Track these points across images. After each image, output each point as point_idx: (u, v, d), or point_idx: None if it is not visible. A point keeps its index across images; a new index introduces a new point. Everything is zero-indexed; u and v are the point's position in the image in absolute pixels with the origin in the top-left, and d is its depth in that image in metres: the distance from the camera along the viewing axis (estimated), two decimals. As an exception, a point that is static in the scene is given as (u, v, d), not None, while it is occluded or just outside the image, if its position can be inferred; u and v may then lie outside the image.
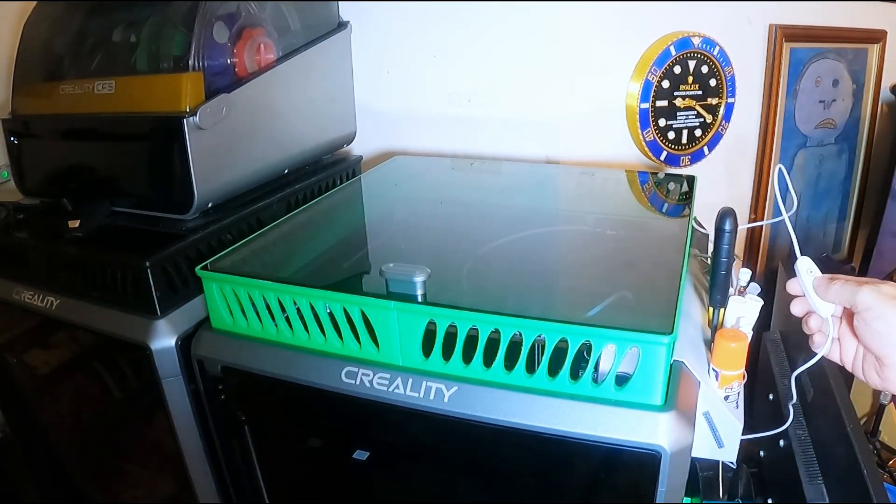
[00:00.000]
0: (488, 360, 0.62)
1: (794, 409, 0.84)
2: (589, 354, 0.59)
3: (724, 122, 1.30)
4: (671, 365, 0.60)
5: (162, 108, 0.88)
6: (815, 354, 0.64)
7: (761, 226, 1.47)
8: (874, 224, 1.60)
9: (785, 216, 0.67)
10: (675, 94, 1.23)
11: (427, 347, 0.64)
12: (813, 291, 0.62)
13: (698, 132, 1.28)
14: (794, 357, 0.95)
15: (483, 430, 0.62)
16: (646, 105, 1.20)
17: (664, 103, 1.22)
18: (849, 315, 0.61)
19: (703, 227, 0.95)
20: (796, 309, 0.65)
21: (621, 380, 0.59)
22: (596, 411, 0.58)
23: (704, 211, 0.93)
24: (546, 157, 1.19)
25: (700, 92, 1.25)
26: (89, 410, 1.02)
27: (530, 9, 1.11)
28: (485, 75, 1.20)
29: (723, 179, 1.39)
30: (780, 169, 0.68)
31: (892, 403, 1.23)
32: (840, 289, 0.60)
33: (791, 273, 0.65)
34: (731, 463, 0.68)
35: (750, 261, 1.50)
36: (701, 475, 0.74)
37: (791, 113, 1.44)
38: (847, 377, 0.68)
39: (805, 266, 0.64)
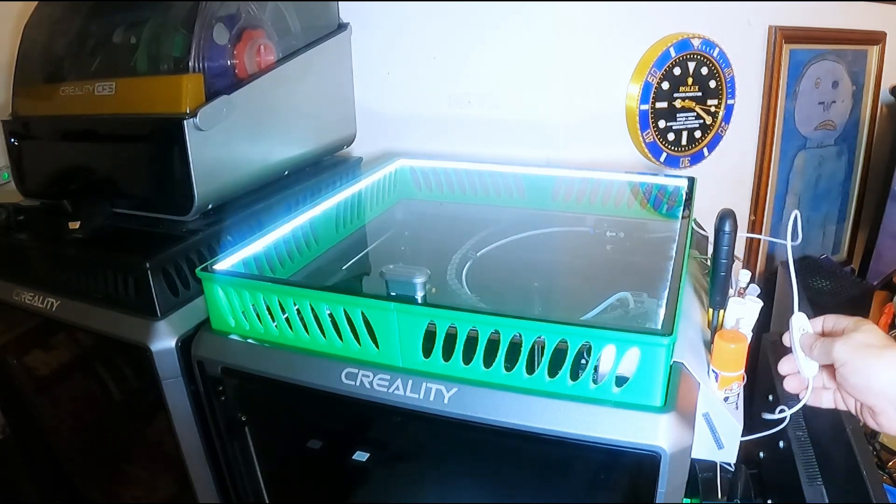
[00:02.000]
0: (488, 361, 0.62)
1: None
2: (589, 355, 0.59)
3: (723, 123, 1.30)
4: (671, 366, 0.60)
5: (162, 109, 0.89)
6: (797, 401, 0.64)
7: (761, 227, 1.47)
8: (874, 225, 1.60)
9: (791, 265, 0.66)
10: (675, 95, 1.23)
11: (427, 348, 0.64)
12: (800, 350, 0.63)
13: (698, 133, 1.28)
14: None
15: (483, 432, 0.62)
16: (645, 106, 1.20)
17: (664, 105, 1.22)
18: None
19: (703, 229, 0.95)
20: (784, 368, 0.66)
21: (621, 381, 0.59)
22: (596, 412, 0.58)
23: (704, 212, 0.93)
24: (546, 158, 1.19)
25: (700, 93, 1.25)
26: (89, 411, 1.02)
27: (530, 10, 1.11)
28: (485, 77, 1.20)
29: (722, 181, 1.39)
30: (795, 215, 0.67)
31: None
32: (820, 350, 0.61)
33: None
34: (731, 464, 0.68)
35: (750, 262, 1.50)
36: (700, 476, 0.74)
37: (791, 114, 1.44)
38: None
39: (798, 323, 0.64)
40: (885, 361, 0.57)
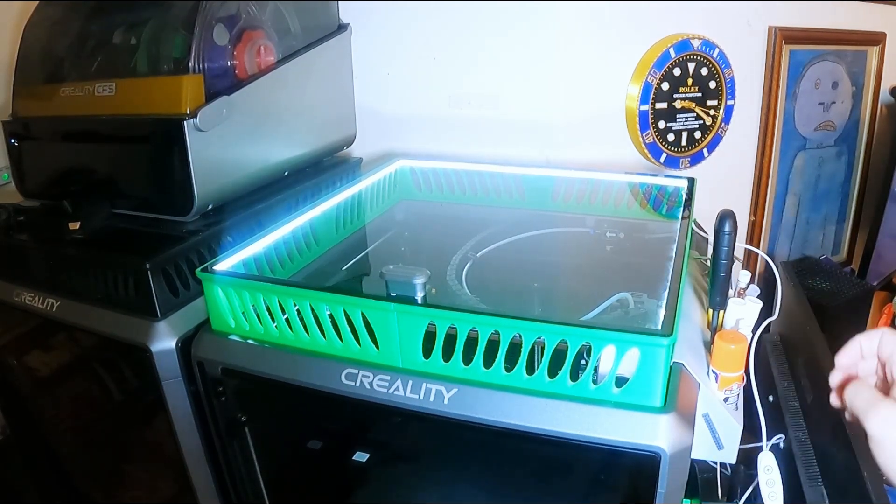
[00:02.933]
0: (488, 361, 0.62)
1: (794, 410, 0.84)
2: (588, 356, 0.59)
3: (723, 124, 1.30)
4: (671, 367, 0.60)
5: (162, 110, 0.89)
6: None
7: (761, 227, 1.47)
8: (873, 226, 1.60)
9: (762, 425, 0.66)
10: (675, 96, 1.23)
11: (427, 349, 0.64)
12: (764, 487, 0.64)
13: (698, 134, 1.28)
14: (794, 359, 0.95)
15: (483, 432, 0.62)
16: (645, 107, 1.20)
17: (664, 105, 1.22)
18: None
19: (703, 230, 0.95)
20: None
21: (621, 381, 0.59)
22: (595, 413, 0.58)
23: (704, 213, 0.93)
24: (546, 158, 1.20)
25: (700, 94, 1.25)
26: (90, 412, 1.02)
27: (530, 10, 1.11)
28: (485, 77, 1.20)
29: (722, 181, 1.39)
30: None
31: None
32: (855, 396, 0.56)
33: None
34: (731, 464, 0.68)
35: (749, 263, 1.50)
36: (700, 476, 0.74)
37: (790, 115, 1.44)
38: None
39: (765, 462, 0.66)
40: None
